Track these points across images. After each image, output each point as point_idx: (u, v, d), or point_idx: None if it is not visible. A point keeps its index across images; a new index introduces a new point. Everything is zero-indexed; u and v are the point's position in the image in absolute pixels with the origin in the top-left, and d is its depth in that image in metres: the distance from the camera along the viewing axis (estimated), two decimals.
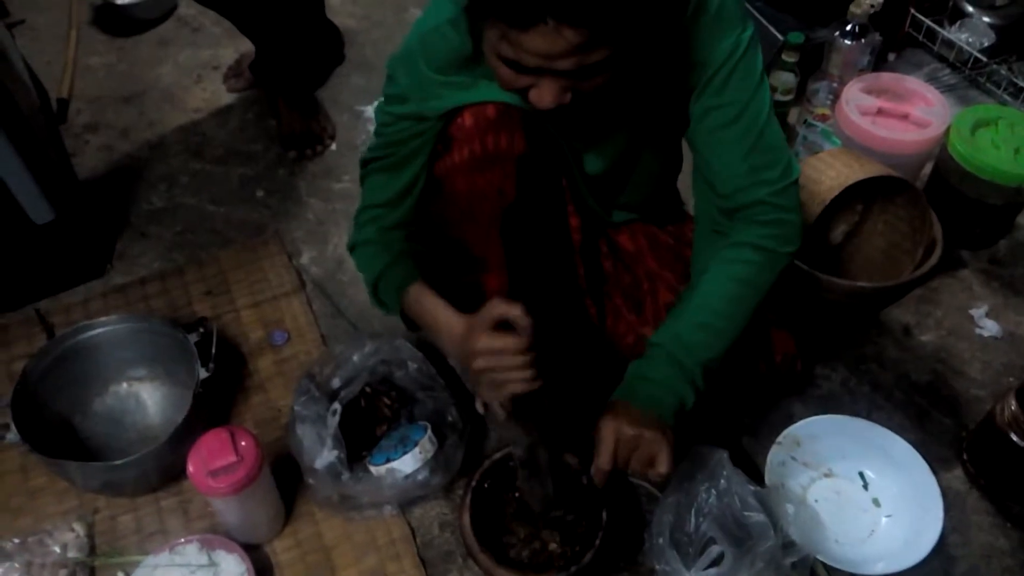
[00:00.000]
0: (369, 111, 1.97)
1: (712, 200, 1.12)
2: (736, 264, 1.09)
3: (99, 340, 1.36)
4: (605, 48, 0.86)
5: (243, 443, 1.13)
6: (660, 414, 1.04)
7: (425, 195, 1.15)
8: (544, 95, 0.90)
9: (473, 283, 1.22)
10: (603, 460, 1.03)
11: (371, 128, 1.94)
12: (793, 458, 1.32)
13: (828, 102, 1.84)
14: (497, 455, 1.22)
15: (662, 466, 1.01)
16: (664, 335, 1.08)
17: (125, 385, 1.42)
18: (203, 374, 1.29)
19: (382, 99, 1.13)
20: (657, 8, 0.92)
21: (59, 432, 1.33)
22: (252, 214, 1.76)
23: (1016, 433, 1.24)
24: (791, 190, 1.08)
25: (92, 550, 1.25)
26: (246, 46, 1.96)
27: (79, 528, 1.25)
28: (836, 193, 1.34)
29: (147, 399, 1.42)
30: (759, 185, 1.06)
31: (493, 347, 0.98)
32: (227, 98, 2.04)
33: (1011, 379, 1.46)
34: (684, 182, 1.33)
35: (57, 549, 1.22)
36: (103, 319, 1.37)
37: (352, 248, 1.20)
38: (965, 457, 1.36)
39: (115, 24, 2.23)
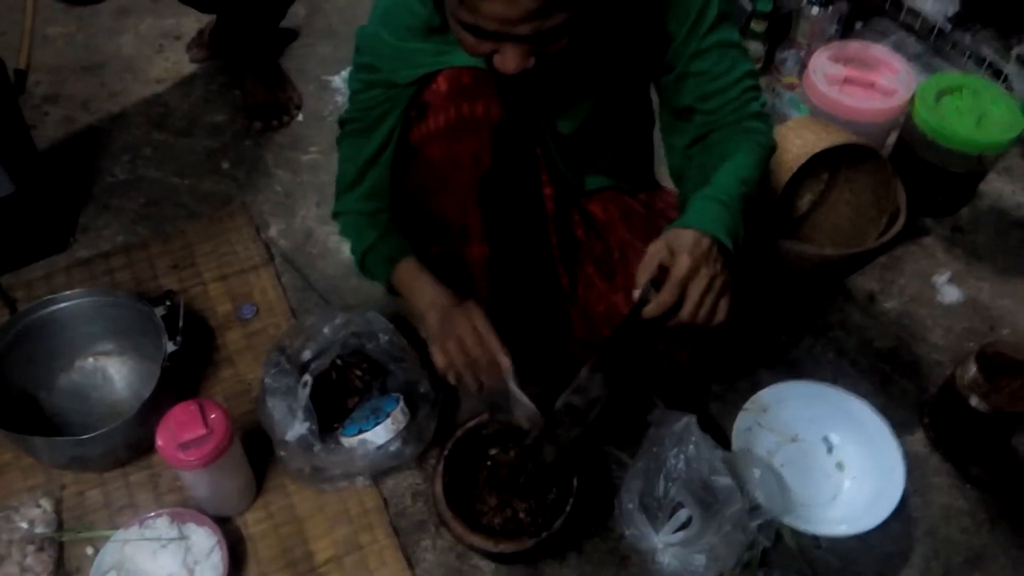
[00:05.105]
0: (336, 81, 1.95)
1: (696, 127, 1.13)
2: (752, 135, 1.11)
3: (63, 315, 1.34)
4: (563, 12, 0.86)
5: (213, 415, 1.13)
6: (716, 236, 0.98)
7: (399, 165, 1.14)
8: (507, 60, 0.90)
9: (453, 253, 1.21)
10: (674, 282, 0.94)
11: (338, 99, 1.92)
12: (759, 423, 1.34)
13: (796, 71, 1.85)
14: (470, 424, 1.22)
15: (721, 312, 0.97)
16: (704, 191, 1.04)
17: (91, 360, 1.40)
18: (171, 348, 1.28)
19: (352, 67, 1.12)
20: None
21: (24, 408, 1.31)
22: (218, 186, 1.74)
23: (976, 396, 1.27)
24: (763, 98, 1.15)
25: (60, 525, 1.24)
26: (209, 15, 1.92)
27: (46, 504, 1.24)
28: (803, 161, 1.34)
29: (114, 374, 1.40)
30: (751, 102, 1.11)
31: (477, 328, 1.09)
32: (190, 68, 2.00)
33: (971, 344, 1.49)
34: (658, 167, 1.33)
35: (24, 525, 1.21)
36: (67, 293, 1.34)
37: (335, 215, 1.26)
38: (926, 421, 1.39)
39: None
